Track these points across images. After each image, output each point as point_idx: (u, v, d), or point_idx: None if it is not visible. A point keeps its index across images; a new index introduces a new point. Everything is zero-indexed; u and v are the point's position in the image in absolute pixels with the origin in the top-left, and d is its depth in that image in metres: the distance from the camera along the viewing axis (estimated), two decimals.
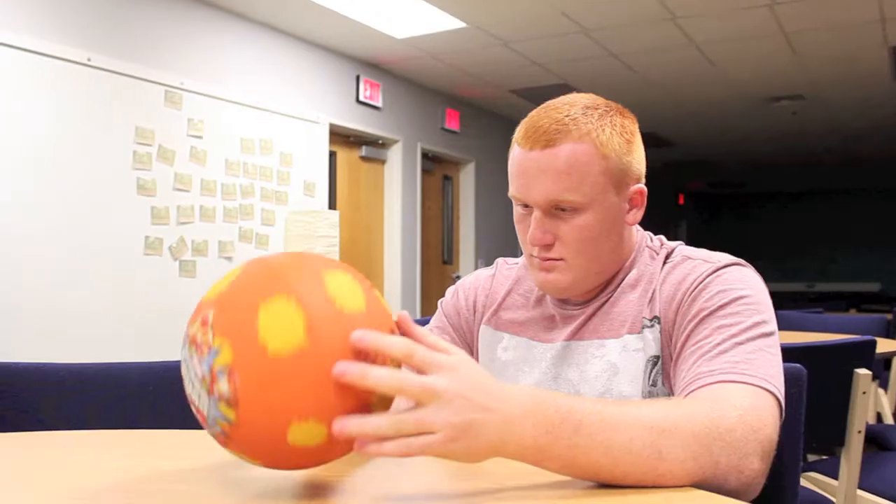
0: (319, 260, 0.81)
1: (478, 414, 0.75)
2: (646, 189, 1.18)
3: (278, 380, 0.71)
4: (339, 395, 0.73)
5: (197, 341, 0.75)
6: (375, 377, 0.73)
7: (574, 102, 1.14)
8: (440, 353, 0.78)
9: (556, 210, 1.12)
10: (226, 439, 0.76)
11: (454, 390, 0.75)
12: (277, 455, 0.76)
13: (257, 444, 0.75)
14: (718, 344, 1.00)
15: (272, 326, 0.72)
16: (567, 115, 1.11)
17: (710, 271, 1.10)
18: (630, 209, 1.17)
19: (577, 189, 1.09)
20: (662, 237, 1.25)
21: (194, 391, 0.76)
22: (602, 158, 1.10)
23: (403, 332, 0.82)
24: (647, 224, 1.22)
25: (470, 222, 7.73)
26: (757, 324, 1.01)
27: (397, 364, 0.78)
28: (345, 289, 0.77)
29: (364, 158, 6.31)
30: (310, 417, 0.72)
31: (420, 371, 0.76)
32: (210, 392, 0.74)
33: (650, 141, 8.80)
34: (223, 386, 0.73)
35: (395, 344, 0.76)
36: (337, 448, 0.76)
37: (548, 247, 1.14)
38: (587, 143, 1.09)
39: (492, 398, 0.77)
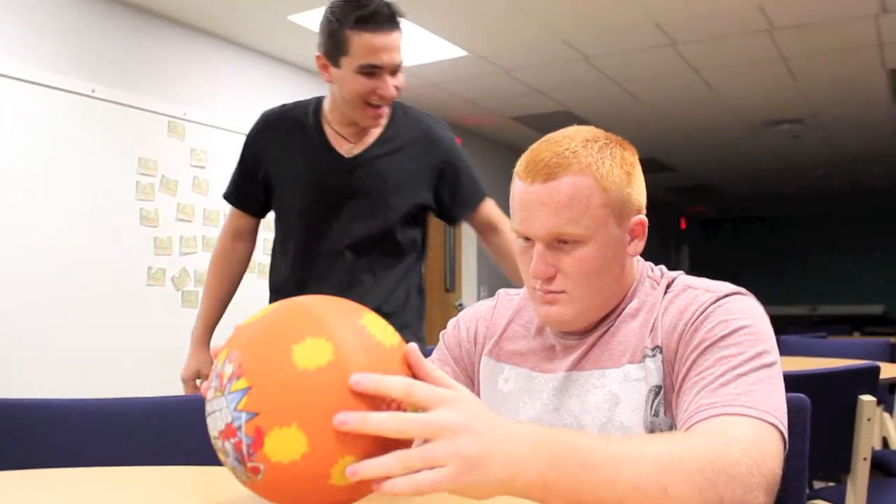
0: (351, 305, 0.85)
1: (486, 447, 0.75)
2: (647, 220, 1.18)
3: (303, 393, 0.73)
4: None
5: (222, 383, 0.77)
6: (376, 422, 0.73)
7: (574, 136, 1.15)
8: (444, 388, 0.79)
9: (558, 243, 1.12)
10: (254, 482, 0.77)
11: (460, 423, 0.75)
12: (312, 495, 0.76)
13: (289, 482, 0.75)
14: (720, 375, 1.00)
15: (304, 354, 0.75)
16: (567, 149, 1.11)
17: (711, 301, 1.10)
18: (631, 240, 1.17)
19: (579, 222, 1.10)
20: (663, 267, 1.25)
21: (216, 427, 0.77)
22: (603, 191, 1.11)
23: (411, 364, 0.82)
24: (649, 249, 1.22)
25: (472, 249, 7.72)
26: (759, 354, 1.02)
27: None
28: (379, 325, 0.83)
29: None
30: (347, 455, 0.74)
31: (421, 409, 0.76)
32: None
33: (651, 166, 8.82)
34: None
35: (393, 384, 0.75)
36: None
37: (550, 279, 1.14)
38: (588, 176, 1.10)
39: (498, 433, 0.77)
